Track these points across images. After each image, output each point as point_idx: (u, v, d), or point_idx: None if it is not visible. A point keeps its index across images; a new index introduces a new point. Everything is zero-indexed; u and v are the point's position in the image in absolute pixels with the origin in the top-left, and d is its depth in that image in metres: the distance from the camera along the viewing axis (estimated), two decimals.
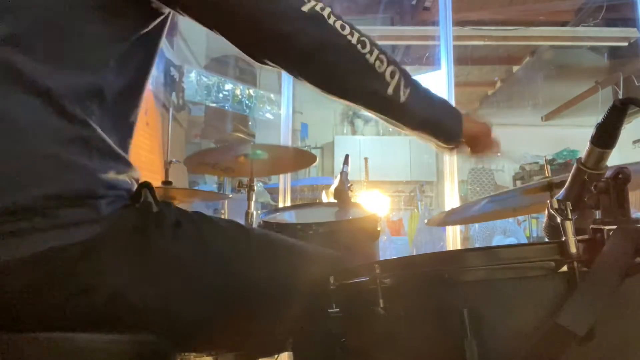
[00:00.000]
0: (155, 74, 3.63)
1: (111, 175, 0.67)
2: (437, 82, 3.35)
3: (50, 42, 0.64)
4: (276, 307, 0.78)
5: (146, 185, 0.71)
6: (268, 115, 5.39)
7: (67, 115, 0.64)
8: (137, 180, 0.73)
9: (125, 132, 0.75)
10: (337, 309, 0.74)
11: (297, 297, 0.79)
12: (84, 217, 0.62)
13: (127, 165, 0.71)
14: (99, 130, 0.67)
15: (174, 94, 4.17)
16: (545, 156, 1.95)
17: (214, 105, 4.91)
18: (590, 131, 0.70)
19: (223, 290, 0.74)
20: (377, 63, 0.76)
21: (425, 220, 4.73)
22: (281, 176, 2.94)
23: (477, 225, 4.66)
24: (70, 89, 0.64)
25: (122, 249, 0.65)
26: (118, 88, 0.71)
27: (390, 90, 0.78)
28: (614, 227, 0.59)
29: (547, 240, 0.72)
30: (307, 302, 0.78)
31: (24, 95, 0.62)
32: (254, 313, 0.77)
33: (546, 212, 0.66)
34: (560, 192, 0.77)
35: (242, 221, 1.64)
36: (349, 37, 0.74)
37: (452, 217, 1.39)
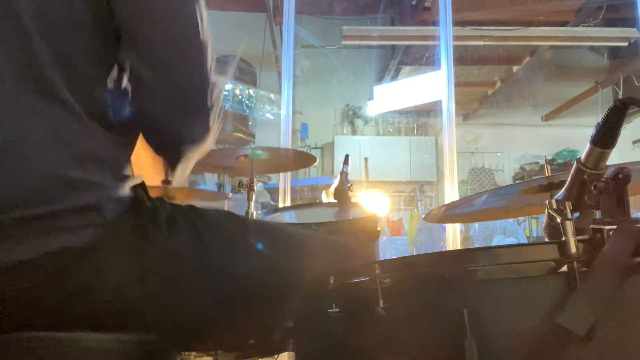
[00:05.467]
0: None
1: (120, 192, 0.68)
2: (437, 82, 3.34)
3: (66, 58, 0.65)
4: (277, 294, 0.79)
5: (139, 185, 0.72)
6: (268, 115, 5.40)
7: (84, 134, 0.65)
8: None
9: (132, 145, 0.76)
10: (337, 309, 0.74)
11: (298, 286, 0.79)
12: (88, 222, 0.63)
13: (134, 178, 0.72)
14: (113, 149, 0.68)
15: None
16: (545, 156, 1.96)
17: None
18: (590, 131, 0.70)
19: (222, 281, 0.74)
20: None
21: (423, 216, 4.73)
22: (281, 176, 2.94)
23: (477, 225, 4.66)
24: (89, 107, 0.66)
25: (121, 249, 0.66)
26: (123, 106, 0.72)
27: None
28: (614, 227, 0.59)
29: (547, 240, 0.72)
30: (309, 290, 0.78)
31: (42, 110, 0.62)
32: (255, 303, 0.77)
33: (546, 212, 0.66)
34: (560, 192, 0.77)
35: None
36: None
37: (450, 213, 1.39)
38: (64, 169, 0.62)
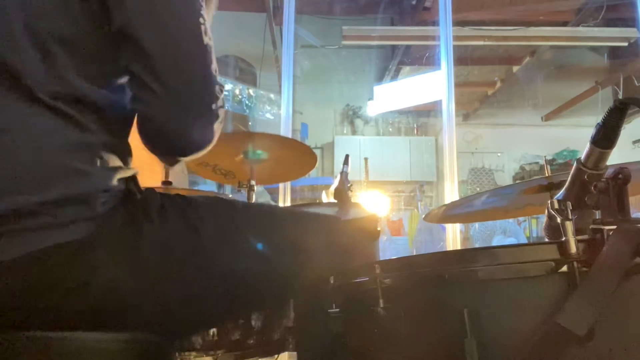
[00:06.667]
0: None
1: (110, 181, 0.67)
2: (437, 82, 3.34)
3: (52, 51, 0.64)
4: (273, 276, 0.78)
5: (130, 178, 0.72)
6: (268, 115, 5.40)
7: (71, 121, 0.64)
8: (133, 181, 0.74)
9: (124, 136, 0.76)
10: (337, 309, 0.74)
11: (293, 261, 0.79)
12: (79, 216, 0.62)
13: (126, 169, 0.72)
14: (102, 137, 0.68)
15: None
16: (545, 156, 1.95)
17: None
18: (590, 131, 0.70)
19: (216, 267, 0.74)
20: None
21: (423, 216, 4.73)
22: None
23: (477, 225, 4.66)
24: (74, 96, 0.65)
25: (114, 244, 0.66)
26: (115, 98, 0.72)
27: None
28: (614, 227, 0.59)
29: (547, 240, 0.72)
30: (306, 268, 0.77)
31: (29, 101, 0.62)
32: (251, 288, 0.77)
33: (546, 212, 0.66)
34: (560, 192, 0.77)
35: None
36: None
37: (450, 213, 1.39)
38: (52, 159, 0.62)
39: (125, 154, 0.73)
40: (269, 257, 0.79)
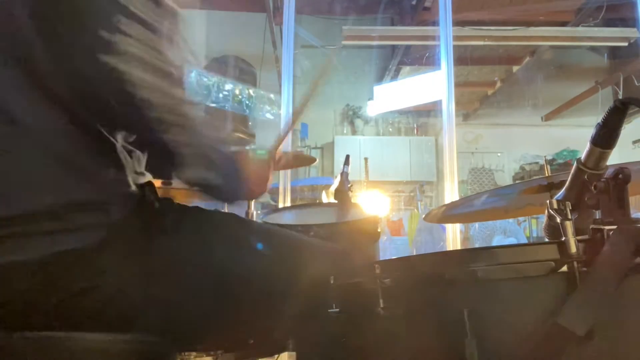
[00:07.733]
0: None
1: (127, 187, 0.68)
2: (437, 82, 3.34)
3: (68, 57, 0.64)
4: (277, 297, 0.79)
5: (148, 184, 0.72)
6: (268, 115, 5.39)
7: (89, 128, 0.65)
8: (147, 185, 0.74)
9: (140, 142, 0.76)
10: (337, 309, 0.74)
11: (298, 287, 0.80)
12: (94, 221, 0.63)
13: (142, 175, 0.72)
14: (120, 144, 0.68)
15: None
16: (545, 156, 1.95)
17: (214, 105, 4.91)
18: (590, 131, 0.70)
19: (224, 282, 0.74)
20: None
21: (423, 216, 4.72)
22: (281, 176, 2.94)
23: (477, 225, 4.66)
24: (94, 102, 0.65)
25: (126, 249, 0.66)
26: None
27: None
28: (614, 227, 0.59)
29: (547, 240, 0.72)
30: (309, 292, 0.78)
31: (49, 106, 0.62)
32: (256, 303, 0.78)
33: (546, 212, 0.66)
34: (560, 192, 0.77)
35: None
36: None
37: (450, 213, 1.39)
38: (70, 163, 0.62)
39: (140, 159, 0.73)
40: (272, 260, 0.79)
